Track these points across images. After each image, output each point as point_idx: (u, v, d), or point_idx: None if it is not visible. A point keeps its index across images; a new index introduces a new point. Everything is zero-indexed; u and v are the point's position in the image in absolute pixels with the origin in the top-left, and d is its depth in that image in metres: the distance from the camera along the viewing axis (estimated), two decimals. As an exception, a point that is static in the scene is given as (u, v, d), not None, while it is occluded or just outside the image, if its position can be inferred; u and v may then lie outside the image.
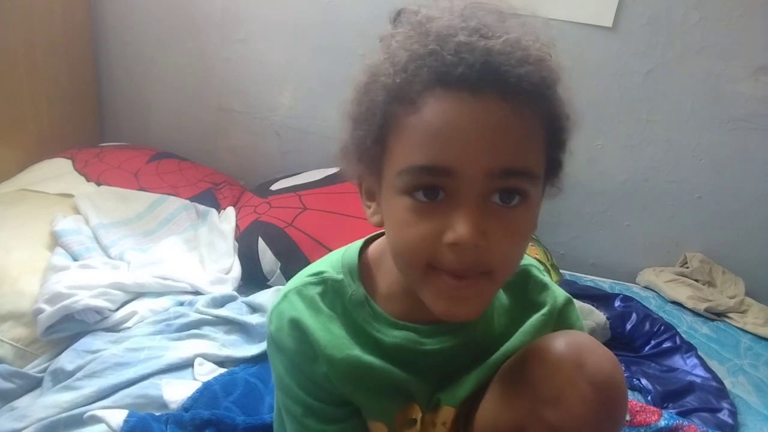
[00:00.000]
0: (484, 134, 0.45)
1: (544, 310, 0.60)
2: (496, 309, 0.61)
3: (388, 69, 0.48)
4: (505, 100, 0.45)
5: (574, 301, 0.65)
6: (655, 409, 0.98)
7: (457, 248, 0.46)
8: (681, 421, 0.96)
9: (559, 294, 0.63)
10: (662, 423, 0.95)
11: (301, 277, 0.61)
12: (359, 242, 0.62)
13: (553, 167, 0.52)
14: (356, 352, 0.56)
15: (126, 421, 0.80)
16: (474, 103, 0.45)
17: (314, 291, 0.58)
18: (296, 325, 0.57)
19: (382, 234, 0.61)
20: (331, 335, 0.57)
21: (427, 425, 0.61)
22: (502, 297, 0.62)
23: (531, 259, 0.65)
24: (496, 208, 0.47)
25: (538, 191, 0.50)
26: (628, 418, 0.94)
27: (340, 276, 0.59)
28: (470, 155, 0.45)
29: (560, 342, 0.53)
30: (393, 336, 0.57)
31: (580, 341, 0.53)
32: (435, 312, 0.50)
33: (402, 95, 0.47)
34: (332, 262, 0.61)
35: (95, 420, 0.82)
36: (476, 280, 0.48)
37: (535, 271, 0.63)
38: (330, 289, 0.58)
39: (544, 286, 0.63)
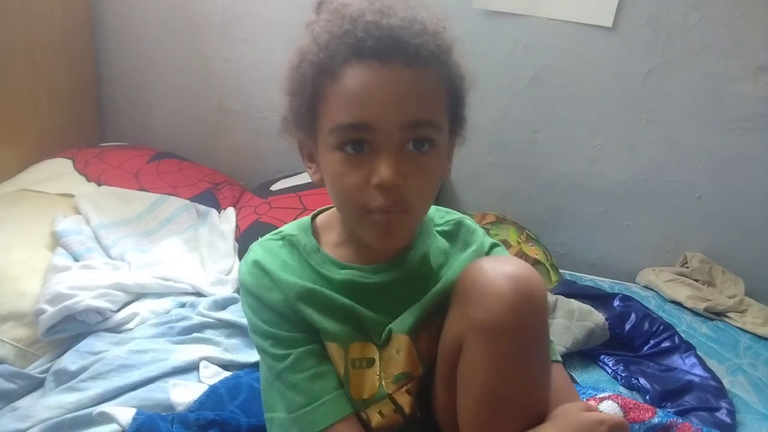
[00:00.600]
0: (393, 94, 0.55)
1: (473, 247, 0.72)
2: (433, 250, 0.71)
3: (314, 48, 0.58)
4: (409, 66, 0.56)
5: (502, 246, 0.76)
6: (649, 406, 0.98)
7: (382, 189, 0.56)
8: (675, 418, 0.96)
9: (487, 239, 0.74)
10: (656, 420, 0.95)
11: (264, 237, 0.72)
12: (311, 214, 0.74)
13: (457, 121, 0.64)
14: (309, 282, 0.66)
15: (134, 419, 0.82)
16: (383, 70, 0.55)
17: (274, 244, 0.69)
18: (257, 265, 0.67)
19: (328, 209, 0.73)
20: (287, 270, 0.66)
21: (386, 359, 0.67)
22: (440, 242, 0.72)
23: (462, 214, 0.77)
24: (410, 154, 0.58)
25: (443, 139, 0.61)
26: (621, 413, 0.94)
27: (296, 233, 0.70)
28: (384, 112, 0.55)
29: (485, 259, 0.65)
30: (342, 274, 0.67)
31: (502, 257, 0.66)
32: (371, 243, 0.62)
33: (325, 69, 0.57)
34: (289, 226, 0.72)
35: (104, 417, 0.83)
36: (399, 216, 0.59)
37: (468, 221, 0.76)
38: (287, 243, 0.69)
39: (474, 231, 0.74)
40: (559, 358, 0.73)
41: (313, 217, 0.73)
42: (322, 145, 0.60)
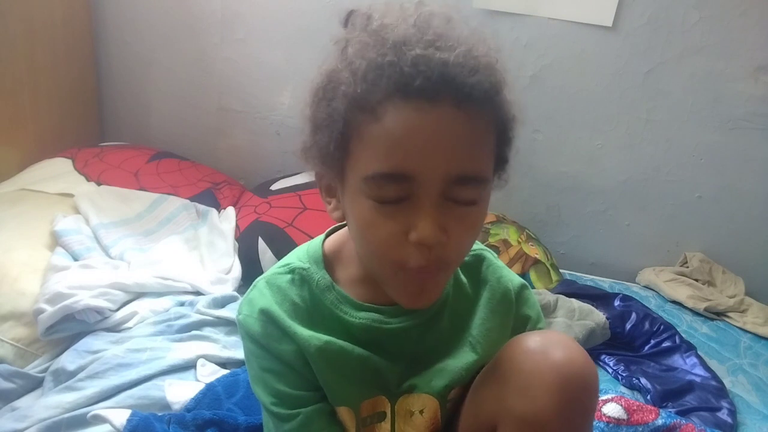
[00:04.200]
0: (441, 142, 0.48)
1: (498, 294, 0.65)
2: (452, 287, 0.64)
3: (348, 78, 0.50)
4: (460, 109, 0.48)
5: (529, 287, 0.69)
6: (652, 408, 0.98)
7: (421, 246, 0.50)
8: (678, 419, 0.96)
9: (514, 278, 0.67)
10: (659, 422, 0.95)
11: (271, 269, 0.65)
12: (321, 236, 0.67)
13: (501, 162, 0.57)
14: (323, 333, 0.60)
15: (129, 421, 0.81)
16: (431, 113, 0.48)
17: (283, 280, 0.62)
18: (265, 312, 0.60)
19: (341, 227, 0.66)
20: (299, 315, 0.60)
21: (402, 415, 0.63)
22: (460, 277, 0.65)
23: (483, 246, 0.69)
24: (452, 206, 0.50)
25: (488, 190, 0.54)
26: (624, 417, 0.94)
27: (307, 265, 0.63)
28: (429, 162, 0.48)
29: (533, 336, 0.56)
30: (359, 317, 0.61)
31: (552, 336, 0.56)
32: (399, 302, 0.56)
33: (363, 104, 0.49)
34: (298, 255, 0.65)
35: (98, 419, 0.83)
36: (435, 273, 0.53)
37: (489, 255, 0.68)
38: (297, 277, 0.62)
39: (498, 270, 0.67)
40: None
41: (324, 240, 0.66)
42: (351, 188, 0.53)
